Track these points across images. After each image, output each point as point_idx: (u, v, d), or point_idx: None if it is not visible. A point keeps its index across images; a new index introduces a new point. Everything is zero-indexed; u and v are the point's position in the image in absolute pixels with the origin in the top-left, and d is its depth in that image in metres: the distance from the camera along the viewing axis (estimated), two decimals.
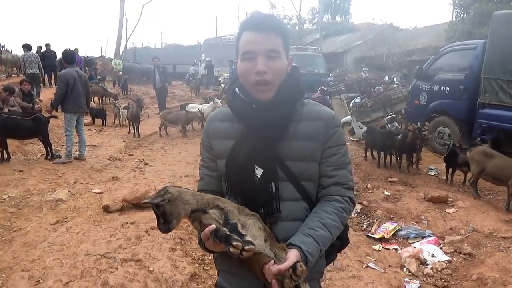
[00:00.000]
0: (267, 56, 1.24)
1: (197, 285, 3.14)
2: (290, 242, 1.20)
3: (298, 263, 1.10)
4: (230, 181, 1.34)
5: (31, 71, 11.44)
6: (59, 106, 7.11)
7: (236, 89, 1.34)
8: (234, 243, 1.07)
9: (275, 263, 1.14)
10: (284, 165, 1.28)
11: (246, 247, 1.07)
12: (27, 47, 11.66)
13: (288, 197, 1.29)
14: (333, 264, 1.50)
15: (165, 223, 1.18)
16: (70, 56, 6.92)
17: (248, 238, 1.10)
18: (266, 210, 1.28)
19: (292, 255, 1.14)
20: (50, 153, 6.84)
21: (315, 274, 1.33)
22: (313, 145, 1.29)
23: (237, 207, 1.23)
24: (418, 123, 6.84)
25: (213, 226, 1.14)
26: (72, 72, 6.71)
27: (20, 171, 6.03)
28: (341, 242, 1.40)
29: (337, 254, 1.46)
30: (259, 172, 1.28)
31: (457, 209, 4.85)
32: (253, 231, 1.18)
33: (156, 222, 1.21)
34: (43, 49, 14.56)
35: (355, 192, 5.68)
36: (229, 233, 1.10)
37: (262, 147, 1.27)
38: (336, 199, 1.29)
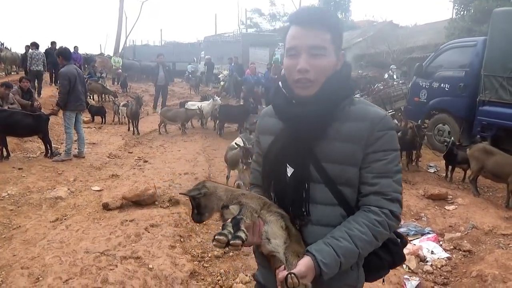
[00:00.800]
0: (310, 54, 1.17)
1: (197, 282, 3.14)
2: (307, 249, 1.14)
3: (289, 275, 1.05)
4: (264, 178, 1.33)
5: (36, 68, 11.76)
6: None
7: (280, 83, 1.30)
8: (217, 237, 1.07)
9: (284, 268, 1.11)
10: (320, 166, 1.20)
11: (231, 242, 1.06)
12: (35, 46, 12.02)
13: (321, 200, 1.21)
14: (383, 280, 1.40)
15: (198, 214, 1.23)
16: (68, 53, 6.92)
17: (240, 233, 1.08)
18: (294, 212, 1.23)
19: (302, 263, 1.09)
20: (49, 151, 6.83)
21: (343, 286, 1.24)
22: (352, 147, 1.18)
23: (263, 203, 1.21)
24: (419, 120, 6.84)
25: (227, 222, 1.14)
26: (72, 69, 6.73)
27: (19, 168, 6.03)
28: (392, 257, 1.31)
29: (389, 270, 1.36)
30: (289, 171, 1.23)
31: (456, 206, 4.86)
32: (274, 229, 1.16)
33: (191, 211, 1.26)
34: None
35: None
36: (226, 227, 1.11)
37: (294, 145, 1.22)
38: (373, 211, 1.17)
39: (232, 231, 1.09)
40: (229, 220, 1.14)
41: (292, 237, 1.17)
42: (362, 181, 1.21)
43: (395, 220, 1.19)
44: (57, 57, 6.87)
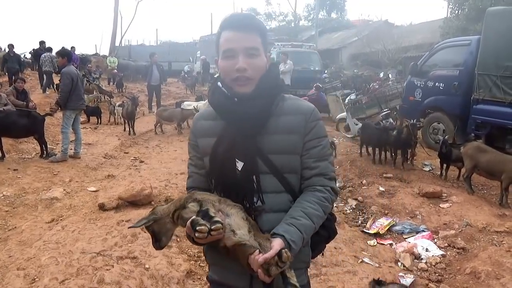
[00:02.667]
0: (247, 54, 1.29)
1: (193, 281, 3.15)
2: (274, 232, 1.23)
3: (283, 250, 1.13)
4: (214, 176, 1.38)
5: (46, 69, 13.37)
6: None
7: (219, 83, 1.39)
8: (198, 228, 1.10)
9: (260, 252, 1.16)
10: (266, 158, 1.31)
11: (212, 227, 1.10)
12: (48, 49, 14.12)
13: (271, 189, 1.32)
14: (322, 254, 1.53)
15: (156, 241, 1.29)
16: (70, 54, 6.99)
17: (216, 218, 1.14)
18: (249, 203, 1.31)
19: (277, 244, 1.17)
20: (45, 152, 6.81)
21: (299, 263, 1.34)
22: (294, 138, 1.32)
23: (218, 199, 1.26)
24: (414, 120, 6.87)
25: (193, 217, 1.17)
26: (73, 69, 6.80)
27: (14, 169, 6.01)
28: (328, 232, 1.44)
29: (326, 245, 1.49)
30: (239, 165, 1.31)
31: (451, 204, 4.89)
32: (236, 220, 1.20)
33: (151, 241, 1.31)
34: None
35: (350, 188, 5.72)
36: (199, 220, 1.13)
37: (241, 140, 1.31)
38: (318, 189, 1.33)
39: (205, 222, 1.12)
40: (195, 216, 1.17)
41: (253, 226, 1.23)
42: (303, 166, 1.36)
43: (335, 195, 1.37)
44: (61, 57, 6.87)
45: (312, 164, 1.34)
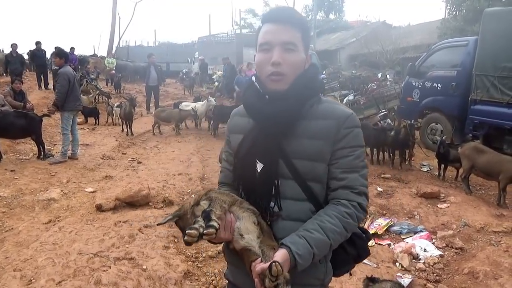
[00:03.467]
0: (284, 48, 1.22)
1: (191, 282, 3.14)
2: (282, 242, 1.16)
3: (273, 263, 1.06)
4: (236, 175, 1.35)
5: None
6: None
7: (253, 78, 1.33)
8: (188, 231, 1.08)
9: (261, 261, 1.13)
10: (289, 162, 1.23)
11: (205, 231, 1.08)
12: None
13: (291, 196, 1.24)
14: (350, 274, 1.44)
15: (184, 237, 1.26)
16: (67, 54, 6.95)
17: (212, 223, 1.10)
18: (264, 206, 1.25)
19: (278, 255, 1.11)
20: (42, 153, 6.79)
21: (312, 279, 1.26)
22: (320, 144, 1.23)
23: (234, 200, 1.23)
24: (412, 120, 6.88)
25: (197, 218, 1.15)
26: (70, 70, 6.75)
27: (12, 170, 5.99)
28: (357, 251, 1.34)
29: (355, 264, 1.40)
30: (259, 166, 1.25)
31: (449, 205, 4.90)
32: (246, 225, 1.18)
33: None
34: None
35: None
36: (197, 222, 1.12)
37: (263, 140, 1.26)
38: (342, 203, 1.22)
39: (203, 224, 1.11)
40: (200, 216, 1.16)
41: (264, 232, 1.20)
42: (330, 177, 1.26)
43: (363, 212, 1.25)
44: (58, 57, 6.77)
45: (340, 175, 1.24)
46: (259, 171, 1.26)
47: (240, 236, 1.16)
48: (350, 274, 1.44)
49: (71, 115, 6.75)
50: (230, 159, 1.41)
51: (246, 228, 1.17)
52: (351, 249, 1.31)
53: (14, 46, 13.19)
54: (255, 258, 1.14)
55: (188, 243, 1.21)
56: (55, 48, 12.30)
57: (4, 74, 15.22)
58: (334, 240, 1.19)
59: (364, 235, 1.38)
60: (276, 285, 1.09)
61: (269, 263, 1.09)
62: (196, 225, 1.10)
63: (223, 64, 16.59)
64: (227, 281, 1.43)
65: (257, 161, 1.26)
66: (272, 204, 1.25)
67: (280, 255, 1.11)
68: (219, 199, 1.20)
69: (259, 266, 1.11)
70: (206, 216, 1.13)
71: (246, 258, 1.17)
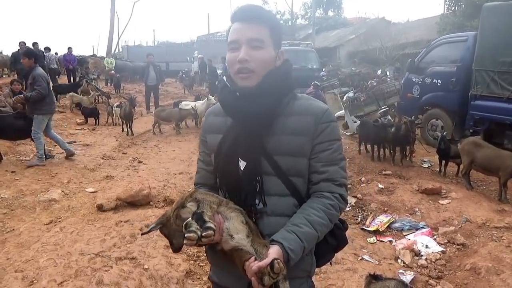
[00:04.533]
0: (250, 46, 1.24)
1: (193, 281, 3.14)
2: (273, 238, 1.18)
3: (275, 260, 1.08)
4: (218, 174, 1.35)
5: (52, 66, 13.91)
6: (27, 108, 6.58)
7: (224, 78, 1.36)
8: (187, 235, 1.07)
9: (255, 259, 1.12)
10: (271, 159, 1.25)
11: (203, 234, 1.07)
12: (48, 49, 14.49)
13: (275, 192, 1.27)
14: (330, 263, 1.47)
15: (171, 244, 1.26)
16: (36, 54, 6.60)
17: (209, 224, 1.10)
18: (249, 204, 1.26)
19: (273, 252, 1.12)
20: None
21: (300, 272, 1.30)
22: (301, 140, 1.26)
23: (220, 200, 1.23)
24: (412, 116, 6.87)
25: (187, 220, 1.13)
26: (43, 71, 6.51)
27: (12, 171, 5.98)
28: (337, 241, 1.38)
29: (334, 254, 1.43)
30: (242, 165, 1.27)
31: (450, 201, 4.89)
32: (235, 225, 1.17)
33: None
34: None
35: (349, 186, 5.71)
36: (191, 225, 1.10)
37: (245, 139, 1.27)
38: (325, 196, 1.26)
39: (198, 227, 1.09)
40: (190, 218, 1.14)
41: (253, 230, 1.19)
42: (311, 170, 1.29)
43: (344, 203, 1.29)
44: (28, 58, 6.21)
45: (321, 168, 1.27)
46: (242, 169, 1.27)
47: (230, 237, 1.15)
48: (330, 263, 1.48)
49: (46, 118, 6.40)
50: (207, 159, 1.42)
51: (236, 228, 1.16)
52: (332, 239, 1.34)
53: (22, 44, 12.17)
54: (248, 257, 1.13)
55: (176, 250, 1.23)
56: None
57: (10, 75, 15.22)
58: (321, 232, 1.23)
59: (341, 225, 1.42)
60: (276, 282, 1.10)
61: (270, 260, 1.09)
62: (192, 228, 1.08)
63: (222, 63, 16.59)
64: (212, 283, 1.43)
65: (240, 159, 1.27)
66: (256, 201, 1.26)
67: (275, 251, 1.13)
68: (207, 200, 1.19)
69: (255, 264, 1.10)
70: (199, 218, 1.11)
71: (238, 258, 1.16)
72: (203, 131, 1.44)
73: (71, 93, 12.02)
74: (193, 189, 1.32)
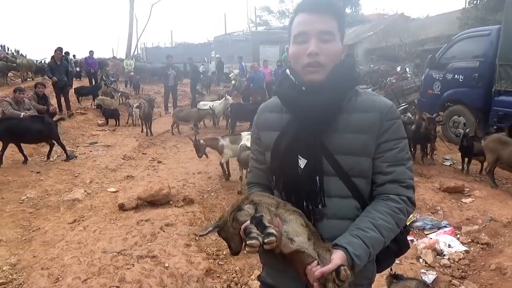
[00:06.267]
0: (320, 38, 1.17)
1: (212, 280, 3.17)
2: (336, 243, 1.12)
3: (342, 267, 1.02)
4: (274, 172, 1.28)
5: (70, 70, 13.15)
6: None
7: (287, 71, 1.28)
8: (248, 242, 1.02)
9: (318, 264, 1.07)
10: (332, 158, 1.18)
11: (266, 240, 1.01)
12: (67, 53, 14.82)
13: (336, 193, 1.20)
14: (391, 269, 1.42)
15: (229, 247, 1.23)
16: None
17: (270, 230, 1.03)
18: (309, 205, 1.20)
19: (337, 257, 1.06)
20: (65, 154, 6.95)
21: (362, 279, 1.23)
22: (365, 138, 1.18)
23: (277, 202, 1.17)
24: (434, 114, 6.73)
25: (247, 223, 1.09)
26: None
27: (37, 172, 6.17)
28: (398, 246, 1.29)
29: (395, 258, 1.36)
30: (302, 162, 1.20)
31: (473, 199, 4.77)
32: (294, 227, 1.11)
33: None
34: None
35: None
36: (252, 230, 1.05)
37: (306, 135, 1.20)
38: (392, 198, 1.18)
39: (258, 231, 1.04)
40: (248, 222, 1.09)
41: (313, 233, 1.14)
42: (376, 171, 1.21)
43: (412, 206, 1.20)
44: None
45: (386, 169, 1.19)
46: (302, 167, 1.20)
47: (290, 240, 1.09)
48: (391, 269, 1.43)
49: None
50: (260, 157, 1.36)
51: (295, 231, 1.11)
52: (393, 244, 1.24)
53: (57, 52, 10.48)
54: (311, 261, 1.08)
55: (235, 253, 1.22)
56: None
57: (29, 79, 15.71)
58: (388, 238, 1.16)
59: (403, 228, 1.32)
60: None
61: (334, 266, 1.04)
62: (253, 234, 1.03)
63: (239, 63, 16.65)
64: (261, 283, 1.37)
65: (300, 157, 1.21)
66: (318, 201, 1.20)
67: (339, 257, 1.07)
68: (265, 202, 1.14)
69: (318, 270, 1.05)
70: (258, 223, 1.06)
71: (298, 261, 1.10)
72: (256, 128, 1.37)
73: (100, 97, 12.23)
74: (249, 192, 1.27)
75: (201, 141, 5.91)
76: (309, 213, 1.20)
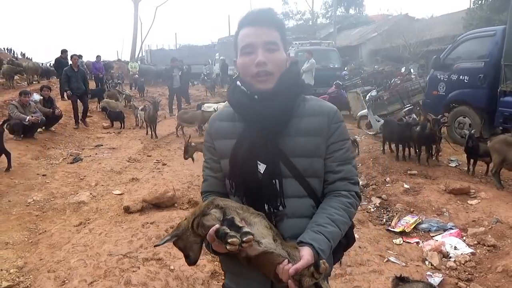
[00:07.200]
0: (266, 48, 1.26)
1: (218, 282, 3.17)
2: (301, 240, 1.18)
3: (321, 261, 1.09)
4: (234, 179, 1.33)
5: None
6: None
7: (238, 82, 1.35)
8: (230, 240, 1.05)
9: (289, 262, 1.11)
10: (288, 161, 1.27)
11: (244, 239, 1.05)
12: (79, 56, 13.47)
13: (293, 193, 1.28)
14: (340, 263, 1.49)
15: (186, 257, 1.25)
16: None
17: (246, 229, 1.08)
18: (271, 207, 1.26)
19: (306, 253, 1.12)
20: (8, 163, 6.08)
21: None
22: (316, 140, 1.28)
23: (240, 206, 1.21)
24: (439, 115, 6.70)
25: (216, 226, 1.11)
26: None
27: (43, 175, 6.21)
28: (347, 240, 1.39)
29: (343, 252, 1.45)
30: (262, 167, 1.27)
31: (479, 201, 4.74)
32: (260, 229, 1.15)
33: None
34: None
35: (373, 186, 5.62)
36: (227, 231, 1.07)
37: (263, 141, 1.27)
38: (343, 194, 1.29)
39: (233, 232, 1.07)
40: (217, 225, 1.11)
41: (277, 234, 1.19)
42: (327, 170, 1.32)
43: (359, 200, 1.34)
44: None
45: (336, 168, 1.30)
46: (262, 172, 1.26)
47: (257, 243, 1.12)
48: (340, 263, 1.50)
49: None
50: (215, 166, 1.40)
51: (261, 233, 1.14)
52: (343, 238, 1.33)
53: (75, 58, 10.25)
54: (281, 260, 1.12)
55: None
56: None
57: (35, 81, 15.81)
58: (343, 231, 1.26)
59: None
60: (317, 282, 1.10)
61: (305, 262, 1.09)
62: (232, 233, 1.06)
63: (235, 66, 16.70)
64: None
65: (259, 162, 1.27)
66: (278, 203, 1.27)
67: (308, 253, 1.13)
68: (231, 206, 1.18)
69: (292, 267, 1.09)
70: (231, 224, 1.09)
71: (267, 262, 1.13)
72: (209, 137, 1.41)
73: (106, 100, 12.30)
74: (210, 198, 1.28)
75: (192, 144, 5.98)
76: (270, 215, 1.26)
